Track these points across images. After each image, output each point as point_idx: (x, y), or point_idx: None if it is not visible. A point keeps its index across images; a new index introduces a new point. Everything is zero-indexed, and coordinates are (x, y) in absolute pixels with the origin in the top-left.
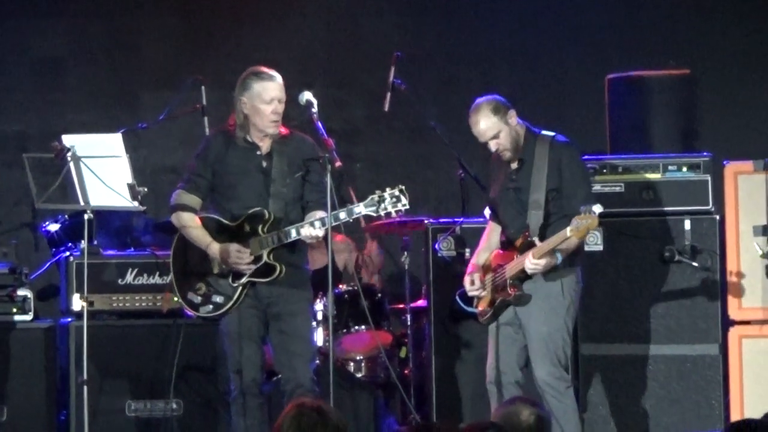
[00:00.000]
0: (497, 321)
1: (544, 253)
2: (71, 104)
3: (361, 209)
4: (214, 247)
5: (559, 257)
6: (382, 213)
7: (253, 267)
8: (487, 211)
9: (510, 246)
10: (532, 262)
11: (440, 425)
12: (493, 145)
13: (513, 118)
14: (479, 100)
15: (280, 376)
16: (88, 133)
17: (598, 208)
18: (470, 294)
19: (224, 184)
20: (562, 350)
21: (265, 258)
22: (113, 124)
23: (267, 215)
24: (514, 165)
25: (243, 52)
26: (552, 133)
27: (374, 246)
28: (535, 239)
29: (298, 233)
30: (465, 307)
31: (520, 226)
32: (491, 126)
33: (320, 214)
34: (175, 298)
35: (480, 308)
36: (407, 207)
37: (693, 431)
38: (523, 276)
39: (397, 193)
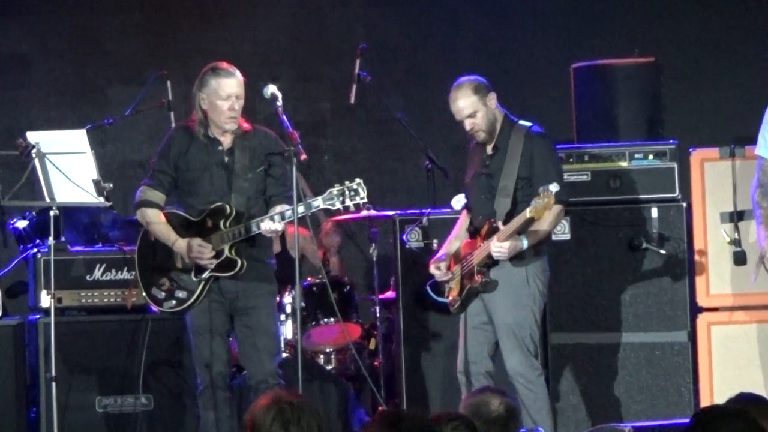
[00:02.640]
0: (466, 311)
1: (507, 235)
2: (37, 101)
3: (319, 203)
4: (180, 244)
5: (525, 242)
6: (341, 207)
7: (215, 262)
8: (454, 202)
9: (477, 233)
10: (496, 245)
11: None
12: (467, 124)
13: (492, 101)
14: (462, 78)
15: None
16: (54, 129)
17: (554, 187)
18: (438, 279)
19: (186, 180)
20: (530, 338)
21: (226, 252)
22: (79, 120)
23: (229, 210)
24: (489, 151)
25: (208, 46)
26: (529, 124)
27: (328, 226)
28: (500, 224)
29: (258, 227)
30: (436, 297)
31: (488, 212)
32: (469, 105)
33: (280, 208)
34: (143, 293)
35: (450, 297)
36: (365, 200)
37: (663, 419)
38: (489, 262)
39: (355, 186)
